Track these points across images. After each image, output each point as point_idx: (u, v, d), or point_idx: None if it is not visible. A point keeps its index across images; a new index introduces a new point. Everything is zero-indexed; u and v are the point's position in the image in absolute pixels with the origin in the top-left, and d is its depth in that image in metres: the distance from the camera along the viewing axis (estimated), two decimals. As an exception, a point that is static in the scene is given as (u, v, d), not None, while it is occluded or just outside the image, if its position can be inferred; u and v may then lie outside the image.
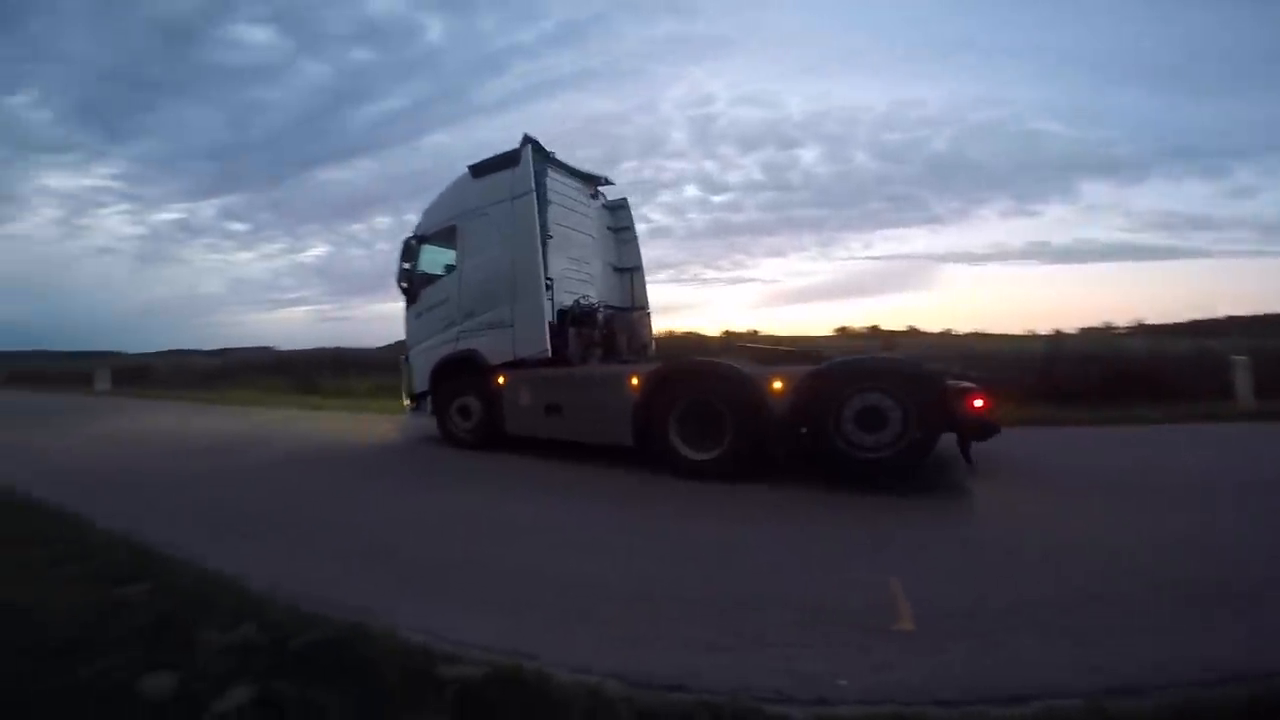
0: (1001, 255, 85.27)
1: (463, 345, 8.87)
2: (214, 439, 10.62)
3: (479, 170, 8.83)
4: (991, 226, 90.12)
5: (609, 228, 10.54)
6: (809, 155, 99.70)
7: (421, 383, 9.40)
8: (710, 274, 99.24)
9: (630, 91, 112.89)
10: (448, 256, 9.30)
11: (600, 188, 10.31)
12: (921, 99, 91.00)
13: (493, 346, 8.56)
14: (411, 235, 9.46)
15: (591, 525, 5.21)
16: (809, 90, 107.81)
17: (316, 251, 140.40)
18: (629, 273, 10.68)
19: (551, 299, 8.44)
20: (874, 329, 30.03)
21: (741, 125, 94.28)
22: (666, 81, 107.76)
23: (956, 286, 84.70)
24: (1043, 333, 19.47)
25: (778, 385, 6.29)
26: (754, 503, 5.79)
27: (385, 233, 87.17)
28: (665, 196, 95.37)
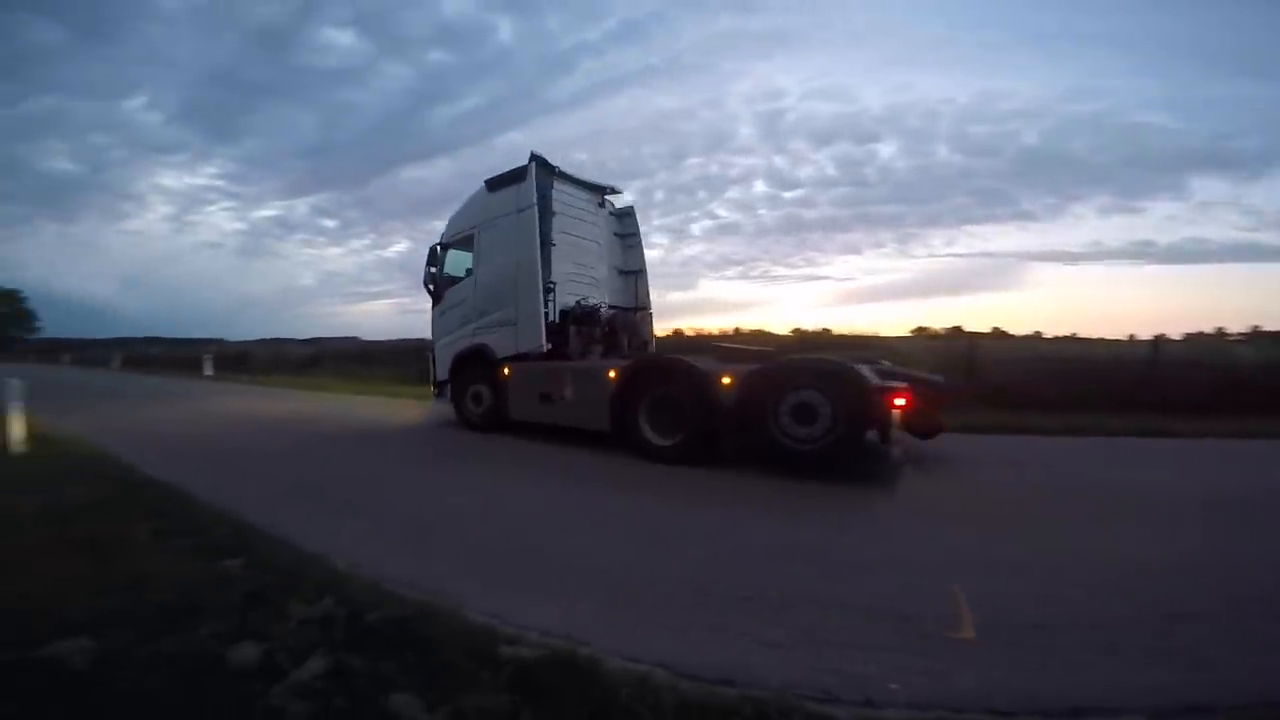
0: (1100, 254, 78.87)
1: (476, 340, 9.95)
2: (301, 419, 11.49)
3: (493, 185, 9.83)
4: (1089, 224, 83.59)
5: (616, 234, 11.36)
6: (886, 150, 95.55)
7: (443, 373, 10.54)
8: (780, 271, 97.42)
9: (695, 87, 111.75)
10: (467, 261, 10.25)
11: (608, 196, 11.10)
12: (1010, 90, 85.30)
13: (500, 342, 9.62)
14: (437, 242, 10.51)
15: (649, 518, 5.29)
16: (885, 83, 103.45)
17: (399, 247, 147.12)
18: (633, 275, 11.48)
19: (553, 300, 9.46)
20: (955, 330, 28.65)
21: (814, 120, 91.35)
22: (731, 77, 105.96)
23: (1049, 287, 79.20)
24: (1144, 338, 18.06)
25: (726, 381, 6.98)
26: (814, 504, 5.76)
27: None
28: (733, 192, 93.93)
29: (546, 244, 9.38)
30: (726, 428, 6.98)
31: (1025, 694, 2.52)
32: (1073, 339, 23.37)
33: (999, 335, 27.52)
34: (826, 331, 20.32)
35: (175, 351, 41.39)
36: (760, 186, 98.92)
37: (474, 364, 9.95)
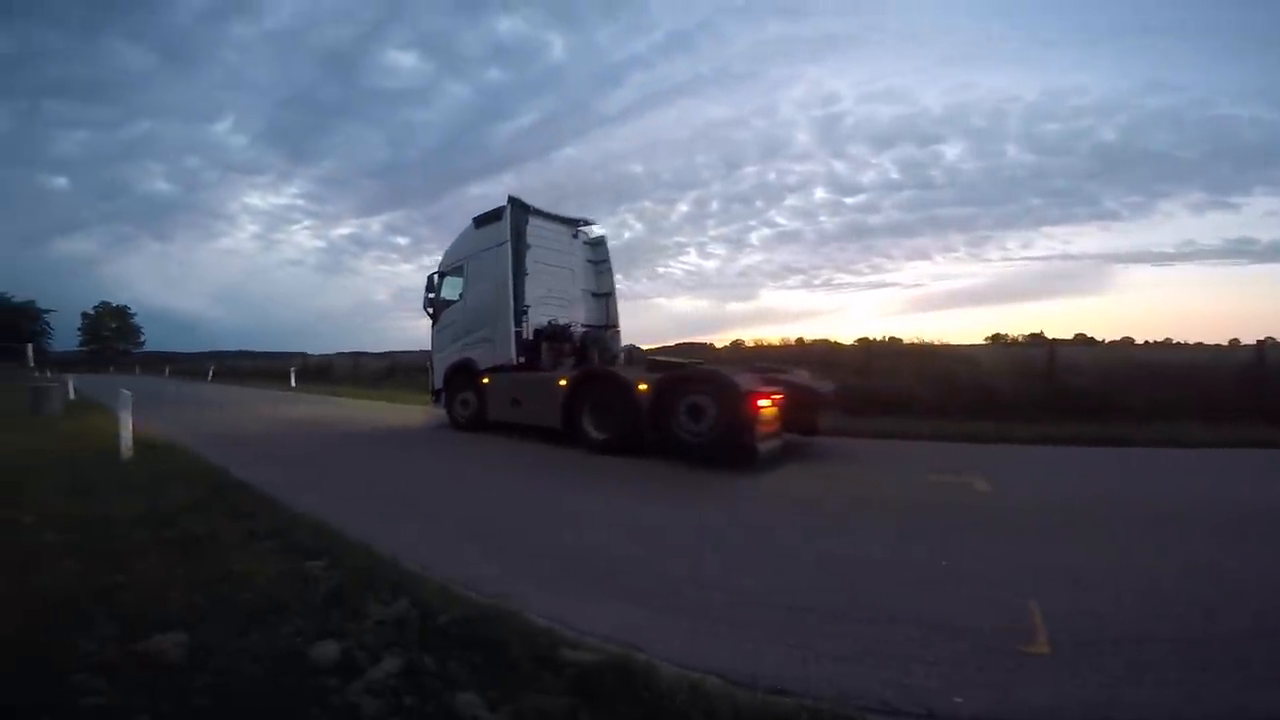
0: (1195, 254, 73.18)
1: (464, 354, 11.72)
2: (368, 426, 12.32)
3: (478, 222, 11.60)
4: (1180, 222, 78.09)
5: (589, 260, 12.90)
6: (952, 151, 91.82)
7: (439, 382, 12.42)
8: (845, 279, 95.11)
9: (746, 95, 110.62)
10: (459, 287, 11.97)
11: (581, 229, 12.68)
12: (1080, 86, 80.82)
13: (483, 356, 11.34)
14: (434, 271, 12.35)
15: (690, 526, 5.35)
16: (945, 83, 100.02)
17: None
18: (605, 297, 13.02)
19: (527, 320, 11.03)
20: (1036, 336, 27.17)
21: (872, 123, 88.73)
22: (783, 83, 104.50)
23: (1139, 290, 73.80)
24: (1248, 342, 16.71)
25: (643, 387, 8.47)
26: (877, 520, 5.65)
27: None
28: (792, 200, 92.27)
29: (520, 273, 10.90)
30: (644, 424, 8.38)
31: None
32: (1167, 344, 21.88)
33: (1084, 341, 26.03)
34: (895, 340, 19.62)
35: (263, 364, 43.99)
36: (820, 193, 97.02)
37: (462, 375, 11.75)
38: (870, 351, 16.72)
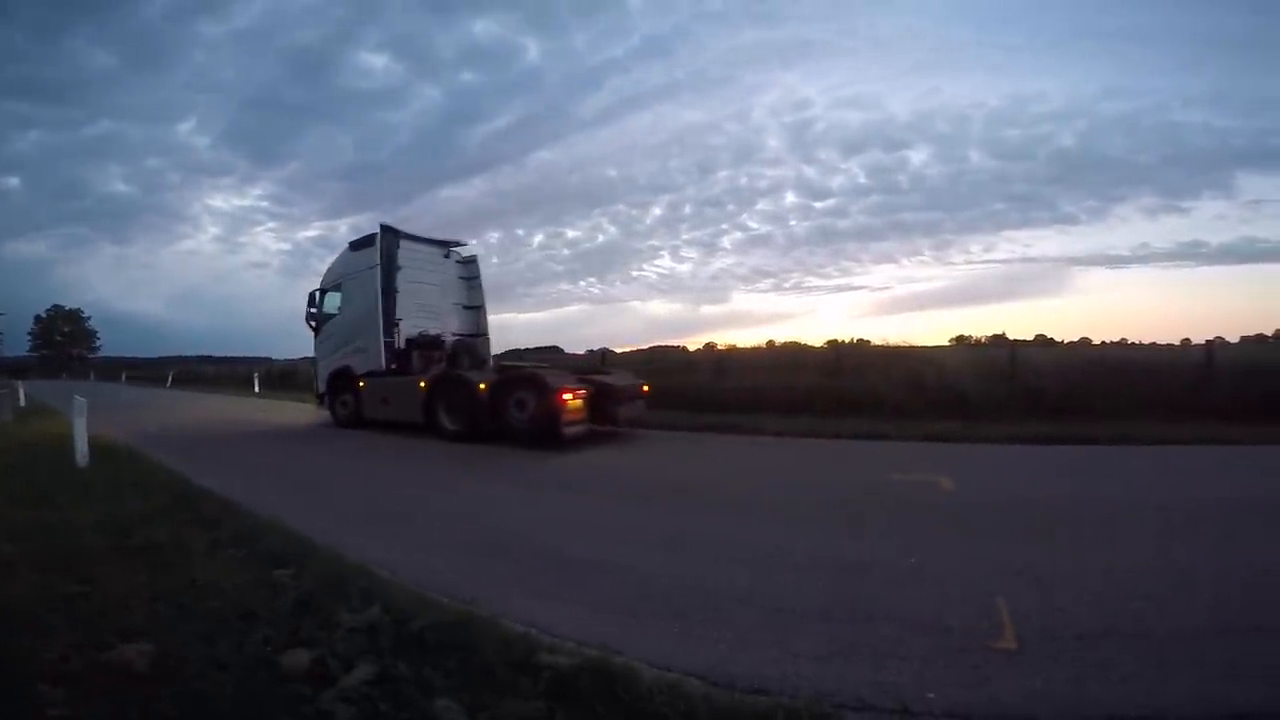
0: (1149, 257, 76.07)
1: (344, 362, 13.26)
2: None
3: (354, 246, 13.31)
4: (1134, 226, 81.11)
5: (461, 277, 14.56)
6: (918, 156, 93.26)
7: (322, 386, 14.02)
8: (814, 282, 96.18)
9: (720, 101, 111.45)
10: (338, 302, 13.51)
11: (453, 249, 14.41)
12: (1041, 92, 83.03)
13: (359, 363, 12.86)
14: (316, 289, 13.93)
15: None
16: (913, 90, 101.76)
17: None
18: (476, 309, 14.65)
19: (399, 332, 12.59)
20: (998, 337, 27.88)
21: (841, 129, 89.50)
22: (756, 89, 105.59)
23: (1095, 292, 76.20)
24: (1198, 342, 17.28)
25: (482, 387, 10.43)
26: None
27: (496, 247, 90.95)
28: (763, 204, 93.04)
29: (391, 291, 12.46)
30: (485, 416, 10.28)
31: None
32: (1123, 344, 22.58)
33: (1044, 342, 26.76)
34: (864, 342, 19.94)
35: (225, 369, 42.90)
36: (791, 197, 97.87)
37: (342, 379, 13.27)
38: (840, 353, 16.94)
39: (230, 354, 60.00)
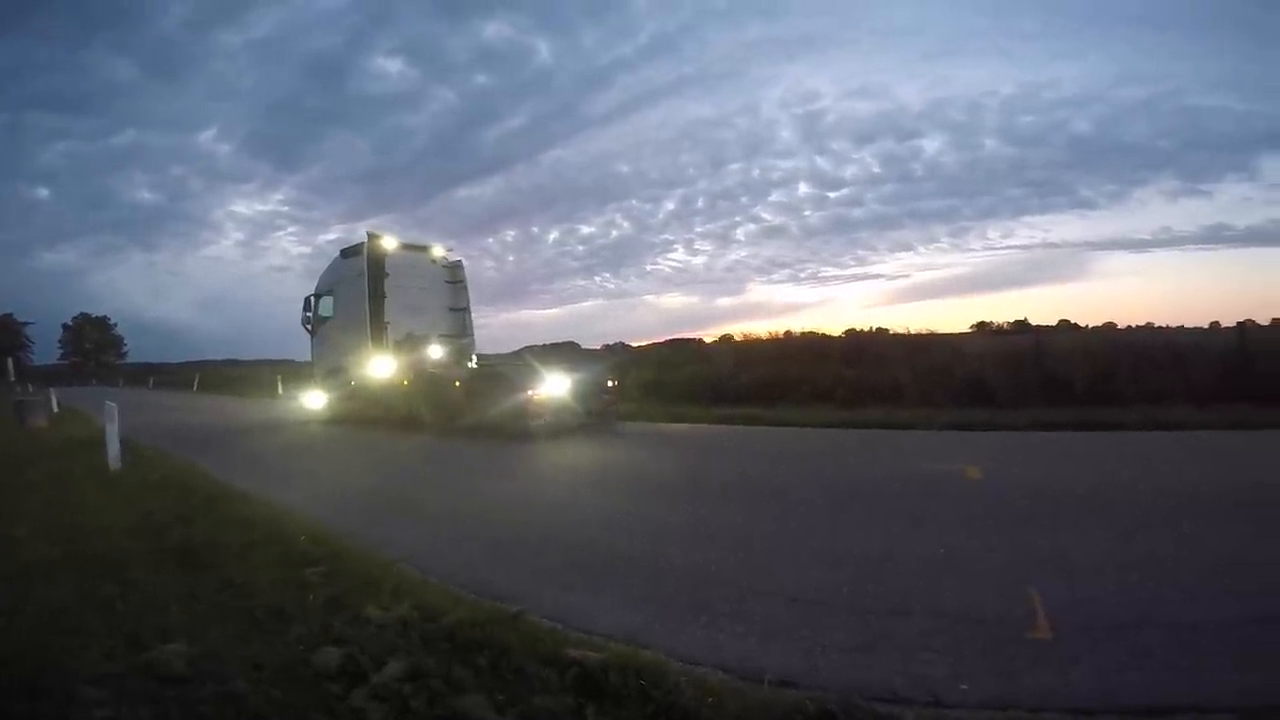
0: (1171, 240, 74.26)
1: (337, 362, 14.08)
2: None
3: (345, 253, 14.21)
4: (1155, 210, 78.80)
5: (446, 281, 15.08)
6: (931, 145, 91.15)
7: (318, 384, 14.93)
8: (830, 271, 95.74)
9: (728, 95, 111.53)
10: (332, 306, 14.33)
11: (439, 254, 14.97)
12: (1055, 79, 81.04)
13: (350, 363, 13.60)
14: (310, 294, 14.76)
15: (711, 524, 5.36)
16: (923, 79, 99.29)
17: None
18: (461, 311, 15.12)
19: (386, 334, 13.15)
20: (1020, 323, 27.42)
21: (853, 119, 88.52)
22: (764, 82, 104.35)
23: (1118, 277, 74.57)
24: (1228, 324, 16.76)
25: (458, 384, 11.90)
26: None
27: (513, 245, 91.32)
28: (776, 196, 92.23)
29: (379, 295, 13.10)
30: (460, 409, 11.33)
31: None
32: (1149, 328, 21.99)
33: (1067, 327, 26.24)
34: (882, 331, 19.72)
35: (249, 372, 43.51)
36: (804, 188, 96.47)
37: (336, 379, 14.21)
38: (860, 342, 16.79)
39: (255, 357, 60.92)
